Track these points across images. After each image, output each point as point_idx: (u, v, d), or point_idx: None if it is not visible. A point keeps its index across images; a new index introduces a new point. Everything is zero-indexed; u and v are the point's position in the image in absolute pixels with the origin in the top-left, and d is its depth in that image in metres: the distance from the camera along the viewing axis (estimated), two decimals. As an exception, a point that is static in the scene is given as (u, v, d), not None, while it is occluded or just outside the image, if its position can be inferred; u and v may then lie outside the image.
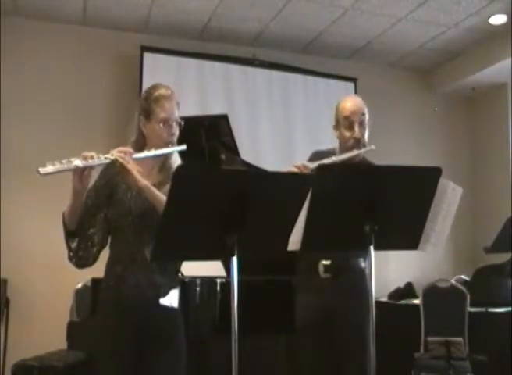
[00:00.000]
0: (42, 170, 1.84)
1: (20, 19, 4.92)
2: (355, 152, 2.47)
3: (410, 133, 6.08)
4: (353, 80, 5.78)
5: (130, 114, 5.04)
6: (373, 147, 2.50)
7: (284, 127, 5.54)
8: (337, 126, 2.55)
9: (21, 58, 4.89)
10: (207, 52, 5.30)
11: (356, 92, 5.70)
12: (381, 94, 5.89)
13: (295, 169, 2.34)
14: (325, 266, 2.42)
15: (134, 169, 1.98)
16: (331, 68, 5.73)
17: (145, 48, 5.11)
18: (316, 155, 2.57)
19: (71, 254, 2.07)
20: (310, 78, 5.67)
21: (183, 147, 2.13)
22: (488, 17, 4.98)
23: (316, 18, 5.04)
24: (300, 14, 4.96)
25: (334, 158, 2.45)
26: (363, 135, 2.51)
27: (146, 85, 4.99)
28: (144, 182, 1.99)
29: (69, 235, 2.05)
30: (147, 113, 2.12)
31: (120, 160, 1.96)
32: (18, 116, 4.81)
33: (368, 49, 5.73)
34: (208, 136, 3.36)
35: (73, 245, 2.06)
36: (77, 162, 1.89)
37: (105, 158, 1.96)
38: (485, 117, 6.16)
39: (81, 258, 2.07)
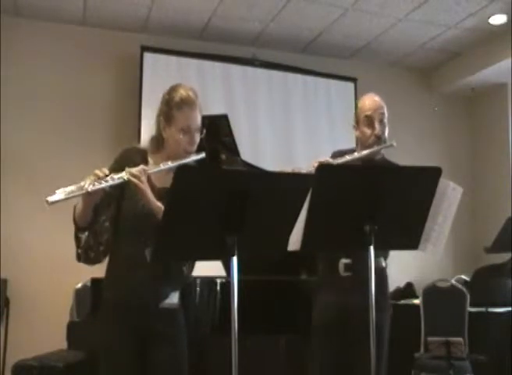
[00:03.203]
0: (51, 199, 1.79)
1: (20, 19, 4.92)
2: (375, 148, 2.48)
3: (410, 133, 6.07)
4: (353, 80, 5.78)
5: (130, 114, 5.05)
6: (394, 144, 2.50)
7: (284, 127, 5.54)
8: (357, 125, 2.56)
9: (21, 58, 4.89)
10: (207, 52, 5.30)
11: (356, 92, 5.70)
12: (381, 94, 5.85)
13: (317, 165, 2.36)
14: (345, 264, 2.42)
15: (148, 191, 1.94)
16: (331, 68, 5.73)
17: (145, 48, 5.11)
18: (336, 154, 2.57)
19: (79, 250, 2.01)
20: (310, 78, 5.66)
21: (202, 155, 2.08)
22: (488, 17, 4.97)
23: (316, 18, 5.04)
24: (300, 14, 4.96)
25: (356, 155, 2.47)
26: (383, 132, 2.52)
27: (146, 85, 5.04)
28: (156, 204, 1.95)
29: (80, 229, 1.99)
30: (168, 118, 2.05)
31: (134, 181, 1.92)
32: (18, 115, 4.81)
33: (368, 49, 5.73)
34: (208, 136, 3.36)
35: (83, 236, 1.99)
36: (88, 187, 1.84)
37: (118, 178, 1.91)
38: (485, 117, 6.16)
39: (91, 252, 2.01)
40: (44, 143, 4.84)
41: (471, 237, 5.93)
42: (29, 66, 4.91)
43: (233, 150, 3.56)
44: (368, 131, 2.51)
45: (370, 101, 2.57)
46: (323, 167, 2.07)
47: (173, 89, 2.09)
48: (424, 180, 2.03)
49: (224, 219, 1.72)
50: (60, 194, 1.81)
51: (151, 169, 2.00)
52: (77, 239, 2.01)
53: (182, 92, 2.06)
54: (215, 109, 4.95)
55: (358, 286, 2.38)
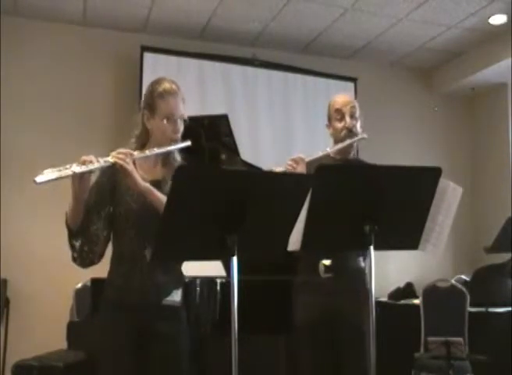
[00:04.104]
0: (38, 179, 1.78)
1: (20, 19, 4.92)
2: (348, 142, 2.51)
3: (410, 133, 6.08)
4: (353, 80, 5.78)
5: (131, 114, 5.03)
6: (365, 135, 2.54)
7: (284, 127, 5.54)
8: (330, 123, 2.59)
9: (21, 58, 4.89)
10: (207, 52, 5.30)
11: (356, 92, 5.69)
12: (381, 94, 5.90)
13: (291, 162, 2.41)
14: (325, 266, 2.42)
15: (135, 172, 1.95)
16: (331, 68, 5.73)
17: (145, 48, 5.10)
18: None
19: (75, 255, 2.02)
20: (310, 78, 5.66)
21: (188, 143, 2.11)
22: (488, 17, 4.97)
23: (316, 18, 5.04)
24: (300, 14, 4.96)
25: (328, 150, 2.52)
26: (354, 125, 2.55)
27: (146, 85, 5.02)
28: (145, 185, 1.97)
29: (73, 235, 2.01)
30: (152, 108, 2.09)
31: (120, 162, 1.92)
32: (18, 115, 4.81)
33: (368, 49, 5.73)
34: (208, 136, 3.36)
35: (77, 244, 2.01)
36: (75, 168, 1.84)
37: (105, 161, 1.91)
38: (485, 117, 6.16)
39: (86, 257, 2.03)
40: (44, 143, 4.84)
41: (471, 237, 5.93)
42: (29, 65, 4.91)
43: (233, 150, 3.56)
44: (339, 125, 2.55)
45: (340, 97, 2.62)
46: (323, 167, 2.07)
47: (156, 82, 2.14)
48: (424, 180, 2.03)
49: (224, 219, 1.72)
50: (48, 174, 1.80)
51: (138, 155, 2.01)
52: (71, 246, 2.02)
53: (165, 84, 2.11)
54: (215, 109, 4.95)
55: (339, 287, 2.39)
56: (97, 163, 1.89)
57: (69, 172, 1.83)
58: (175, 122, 2.09)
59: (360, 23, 5.12)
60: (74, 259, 2.04)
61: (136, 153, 2.01)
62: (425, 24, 5.15)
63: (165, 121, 2.07)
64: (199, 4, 4.80)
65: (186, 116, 2.13)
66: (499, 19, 5.00)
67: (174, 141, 2.08)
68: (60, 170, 1.82)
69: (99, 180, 2.10)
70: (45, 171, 1.81)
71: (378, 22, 5.12)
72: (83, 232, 2.01)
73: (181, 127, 2.11)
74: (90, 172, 1.89)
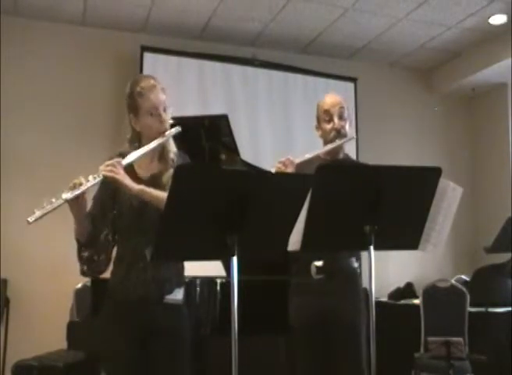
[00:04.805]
0: (31, 219, 1.81)
1: (20, 19, 4.92)
2: (337, 143, 2.50)
3: (410, 133, 6.08)
4: (353, 80, 5.78)
5: (130, 114, 5.05)
6: (354, 136, 2.53)
7: (284, 127, 5.54)
8: (318, 124, 2.58)
9: (21, 58, 4.89)
10: (207, 52, 5.30)
11: (356, 92, 5.70)
12: (381, 94, 5.89)
13: (280, 165, 2.38)
14: (317, 267, 2.42)
15: (126, 179, 1.96)
16: (331, 68, 5.73)
17: (145, 48, 5.11)
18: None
19: (84, 268, 2.06)
20: (310, 78, 5.66)
21: (178, 129, 2.11)
22: (488, 17, 4.98)
23: (316, 18, 5.04)
24: (300, 14, 4.96)
25: (317, 151, 2.50)
26: (343, 126, 2.54)
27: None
28: (138, 187, 1.97)
29: (82, 246, 2.04)
30: (135, 109, 2.10)
31: (109, 175, 1.94)
32: (18, 115, 4.81)
33: (368, 49, 5.73)
34: (208, 136, 3.36)
35: (85, 254, 2.04)
36: (66, 195, 1.86)
37: (94, 177, 1.93)
38: (485, 117, 6.16)
39: (96, 266, 2.06)
40: (44, 143, 4.84)
41: (471, 237, 5.93)
42: (29, 66, 4.91)
43: (233, 150, 3.55)
44: (327, 126, 2.54)
45: (328, 98, 2.61)
46: (323, 167, 2.07)
47: (133, 82, 2.13)
48: (424, 180, 2.03)
49: (224, 219, 1.72)
50: (39, 211, 1.83)
51: (127, 158, 2.01)
52: (80, 258, 2.05)
53: (142, 82, 2.10)
54: (215, 109, 4.95)
55: (331, 288, 2.39)
56: (87, 183, 1.91)
57: (60, 201, 1.86)
58: (159, 115, 2.09)
59: (360, 23, 5.12)
60: (83, 273, 2.07)
61: (126, 158, 2.02)
62: (425, 24, 5.15)
63: (149, 117, 2.08)
64: (199, 4, 4.80)
65: (169, 106, 2.11)
66: (499, 19, 5.01)
67: (163, 132, 2.08)
68: (52, 202, 1.85)
69: (99, 190, 2.11)
70: (36, 209, 1.83)
71: (378, 22, 5.12)
72: (91, 242, 2.04)
73: (167, 117, 2.11)
74: (82, 194, 1.91)
